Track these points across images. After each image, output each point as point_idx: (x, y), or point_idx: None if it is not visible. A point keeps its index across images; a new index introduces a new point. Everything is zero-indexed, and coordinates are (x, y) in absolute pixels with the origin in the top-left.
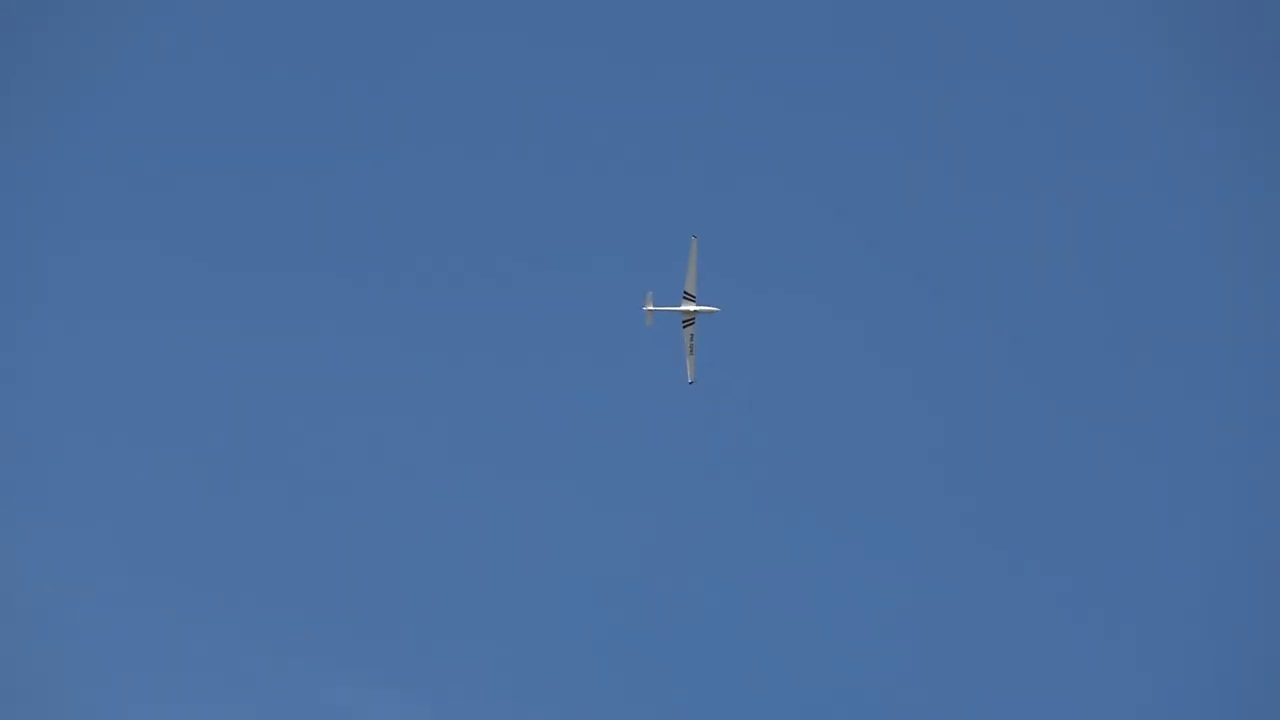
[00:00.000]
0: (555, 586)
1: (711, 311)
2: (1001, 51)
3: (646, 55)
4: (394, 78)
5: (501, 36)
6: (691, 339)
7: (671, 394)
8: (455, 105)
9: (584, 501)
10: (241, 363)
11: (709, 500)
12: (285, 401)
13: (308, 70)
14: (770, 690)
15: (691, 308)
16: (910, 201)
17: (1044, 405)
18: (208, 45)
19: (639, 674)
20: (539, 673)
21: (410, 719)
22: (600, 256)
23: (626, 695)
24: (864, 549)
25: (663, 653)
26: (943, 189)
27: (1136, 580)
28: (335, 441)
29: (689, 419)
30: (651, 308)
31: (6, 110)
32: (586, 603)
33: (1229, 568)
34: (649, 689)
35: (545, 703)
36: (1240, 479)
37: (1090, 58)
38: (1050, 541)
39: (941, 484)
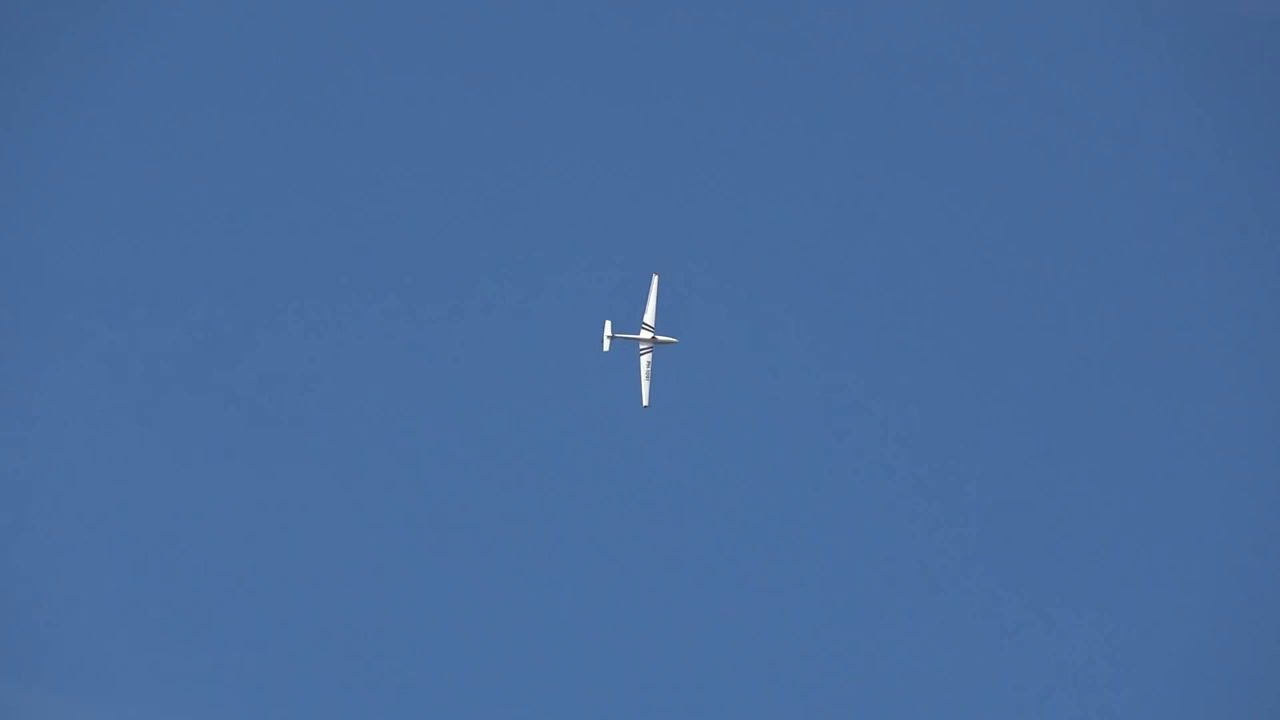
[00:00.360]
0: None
1: (669, 343)
2: (974, 60)
3: (624, 75)
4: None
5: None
6: (648, 366)
7: (627, 418)
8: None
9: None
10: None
11: (653, 525)
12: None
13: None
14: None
15: (649, 336)
16: (887, 230)
17: (1025, 421)
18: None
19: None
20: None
21: None
22: (565, 277)
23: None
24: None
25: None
26: (926, 215)
27: (1134, 584)
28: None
29: (642, 444)
30: (610, 335)
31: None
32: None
33: (1227, 570)
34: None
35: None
36: (1238, 482)
37: (1081, 61)
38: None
39: (917, 506)
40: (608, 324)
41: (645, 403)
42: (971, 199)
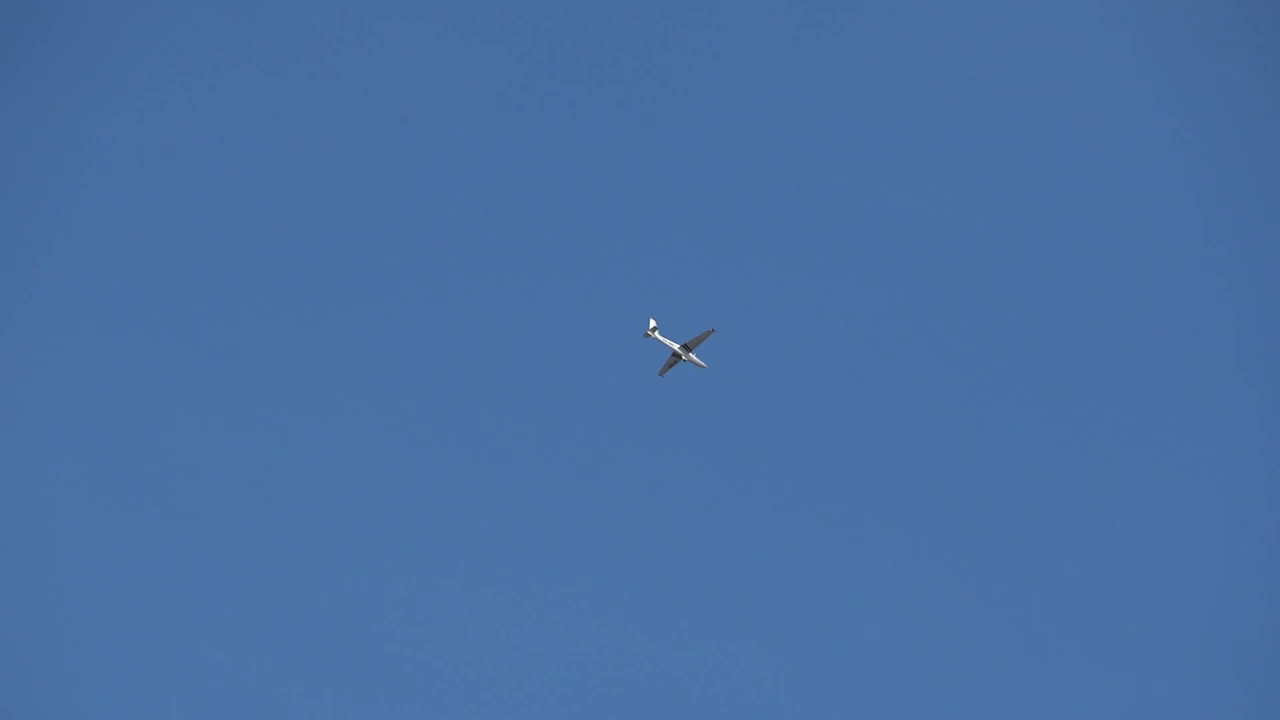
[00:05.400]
0: None
1: (699, 365)
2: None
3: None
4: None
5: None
6: (677, 359)
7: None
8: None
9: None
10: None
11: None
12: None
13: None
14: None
15: (680, 350)
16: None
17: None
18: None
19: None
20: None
21: None
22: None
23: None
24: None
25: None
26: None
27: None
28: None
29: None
30: (652, 330)
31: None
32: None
33: (1227, 570)
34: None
35: None
36: (1238, 482)
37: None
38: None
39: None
40: (652, 320)
41: (661, 373)
42: (971, 204)
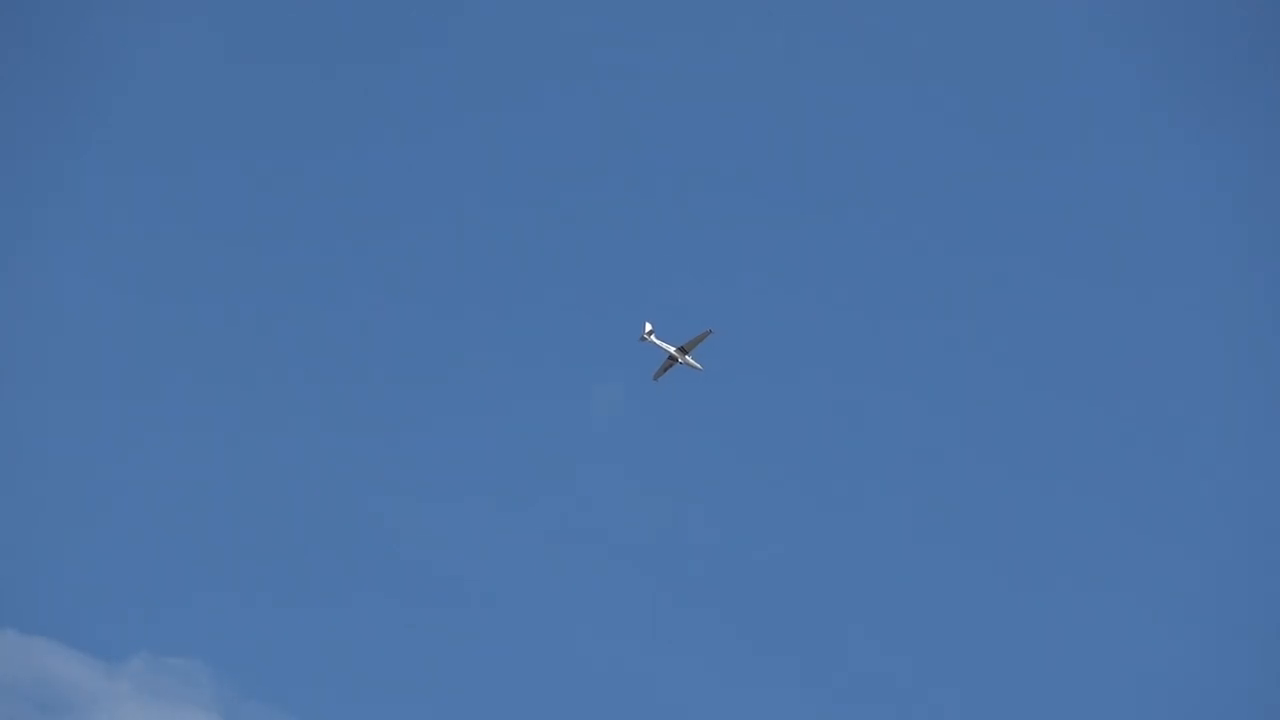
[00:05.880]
0: None
1: (695, 368)
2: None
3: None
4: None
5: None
6: (670, 361)
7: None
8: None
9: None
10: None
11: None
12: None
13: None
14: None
15: (676, 353)
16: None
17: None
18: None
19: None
20: None
21: None
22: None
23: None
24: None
25: None
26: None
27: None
28: None
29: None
30: (649, 333)
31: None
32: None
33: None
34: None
35: None
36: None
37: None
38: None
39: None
40: (648, 324)
41: (655, 377)
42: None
